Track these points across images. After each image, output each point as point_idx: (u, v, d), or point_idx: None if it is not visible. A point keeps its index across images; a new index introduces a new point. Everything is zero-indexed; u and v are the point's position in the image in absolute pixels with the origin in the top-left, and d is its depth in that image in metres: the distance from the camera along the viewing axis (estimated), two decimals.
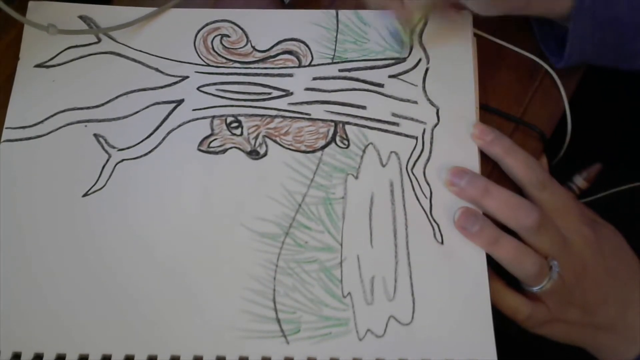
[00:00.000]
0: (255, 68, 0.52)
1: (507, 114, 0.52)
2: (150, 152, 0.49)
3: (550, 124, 0.53)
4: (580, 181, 0.49)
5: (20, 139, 0.50)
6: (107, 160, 0.49)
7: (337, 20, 0.54)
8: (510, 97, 0.53)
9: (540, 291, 0.45)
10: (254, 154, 0.50)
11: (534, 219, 0.44)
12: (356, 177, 0.49)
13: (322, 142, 0.50)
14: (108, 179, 0.49)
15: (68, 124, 0.50)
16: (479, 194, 0.46)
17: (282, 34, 0.53)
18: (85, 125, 0.50)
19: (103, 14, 0.53)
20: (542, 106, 0.53)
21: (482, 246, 0.46)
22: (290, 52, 0.53)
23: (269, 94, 0.51)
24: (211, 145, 0.50)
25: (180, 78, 0.52)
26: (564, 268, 0.45)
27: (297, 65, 0.52)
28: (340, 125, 0.50)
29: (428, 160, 0.49)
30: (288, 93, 0.51)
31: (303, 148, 0.50)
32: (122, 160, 0.49)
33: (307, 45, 0.53)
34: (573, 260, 0.45)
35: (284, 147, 0.50)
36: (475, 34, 0.53)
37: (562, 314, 0.46)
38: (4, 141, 0.49)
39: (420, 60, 0.52)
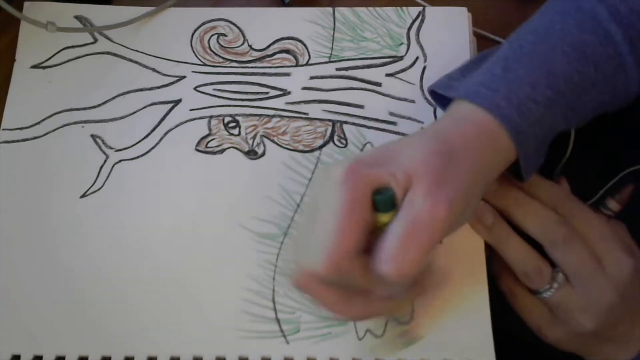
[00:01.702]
0: (252, 67, 0.52)
1: None
2: (147, 152, 0.49)
3: None
4: (613, 204, 0.48)
5: (17, 141, 0.49)
6: (105, 161, 0.49)
7: (334, 18, 0.53)
8: None
9: (547, 300, 0.45)
10: (251, 153, 0.49)
11: (560, 232, 0.44)
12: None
13: (320, 142, 0.50)
14: (106, 180, 0.49)
15: (65, 125, 0.50)
16: (507, 203, 0.46)
17: (278, 33, 0.53)
18: (83, 126, 0.50)
19: (99, 14, 0.53)
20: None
21: (494, 242, 0.45)
22: (287, 51, 0.52)
23: (266, 93, 0.51)
24: (209, 145, 0.50)
25: (177, 78, 0.52)
26: (590, 291, 0.43)
27: (294, 64, 0.52)
28: (338, 124, 0.50)
29: None
30: (285, 92, 0.51)
31: (301, 147, 0.50)
32: (120, 160, 0.49)
33: (304, 44, 0.53)
34: (603, 286, 0.43)
35: (281, 146, 0.50)
36: (475, 34, 0.53)
37: (571, 325, 0.45)
38: (1, 143, 0.49)
39: (417, 58, 0.52)
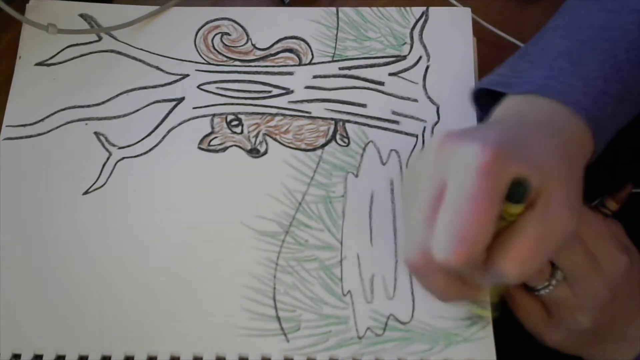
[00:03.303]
0: (255, 66, 0.52)
1: None
2: (150, 150, 0.50)
3: None
4: (611, 203, 0.48)
5: (21, 137, 0.50)
6: (108, 159, 0.49)
7: (338, 18, 0.54)
8: None
9: (545, 297, 0.45)
10: (254, 152, 0.50)
11: None
12: (356, 176, 0.49)
13: (322, 141, 0.50)
14: (108, 177, 0.49)
15: (68, 122, 0.50)
16: None
17: (282, 32, 0.53)
18: (86, 124, 0.50)
19: (103, 13, 0.53)
20: None
21: None
22: (290, 50, 0.53)
23: (270, 92, 0.51)
24: (211, 143, 0.50)
25: (181, 76, 0.52)
26: (587, 289, 0.43)
27: (297, 63, 0.52)
28: (341, 123, 0.50)
29: None
30: (288, 91, 0.51)
31: (303, 146, 0.50)
32: (123, 158, 0.49)
33: (308, 43, 0.53)
34: (599, 284, 0.43)
35: (284, 145, 0.50)
36: (475, 34, 0.53)
37: (569, 324, 0.45)
38: (4, 139, 0.49)
39: (420, 57, 0.52)
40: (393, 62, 0.52)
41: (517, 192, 0.36)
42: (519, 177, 0.36)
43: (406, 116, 0.50)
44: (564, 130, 0.40)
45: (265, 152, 0.49)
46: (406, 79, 0.51)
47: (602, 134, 0.41)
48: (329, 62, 0.52)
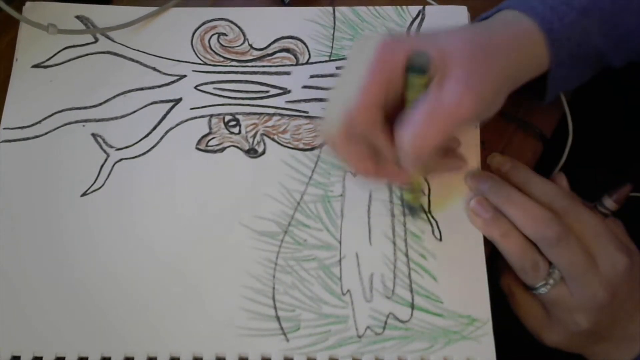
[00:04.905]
0: (252, 66, 0.52)
1: (507, 113, 0.52)
2: (148, 151, 0.49)
3: (551, 124, 0.52)
4: (609, 203, 0.47)
5: (18, 139, 0.50)
6: (106, 160, 0.49)
7: (334, 17, 0.54)
8: (510, 96, 0.53)
9: (544, 296, 0.44)
10: (252, 152, 0.50)
11: (554, 231, 0.43)
12: (354, 175, 0.49)
13: (320, 140, 0.50)
14: (106, 179, 0.49)
15: (66, 124, 0.50)
16: (500, 201, 0.45)
17: (279, 32, 0.53)
18: (83, 125, 0.50)
19: (100, 14, 0.53)
20: (542, 106, 0.52)
21: (493, 235, 0.45)
22: (287, 50, 0.53)
23: (267, 92, 0.51)
24: (209, 143, 0.50)
25: (178, 77, 0.52)
26: (584, 289, 0.43)
27: (294, 63, 0.52)
28: None
29: None
30: (286, 91, 0.51)
31: (301, 146, 0.50)
32: (121, 159, 0.49)
33: (305, 43, 0.53)
34: (596, 284, 0.43)
35: (282, 145, 0.50)
36: None
37: (567, 324, 0.45)
38: (2, 141, 0.49)
39: None
40: None
41: (415, 59, 0.39)
42: (417, 51, 0.39)
43: None
44: (517, 37, 0.42)
45: (263, 152, 0.49)
46: None
47: (558, 41, 0.43)
48: (326, 61, 0.52)
